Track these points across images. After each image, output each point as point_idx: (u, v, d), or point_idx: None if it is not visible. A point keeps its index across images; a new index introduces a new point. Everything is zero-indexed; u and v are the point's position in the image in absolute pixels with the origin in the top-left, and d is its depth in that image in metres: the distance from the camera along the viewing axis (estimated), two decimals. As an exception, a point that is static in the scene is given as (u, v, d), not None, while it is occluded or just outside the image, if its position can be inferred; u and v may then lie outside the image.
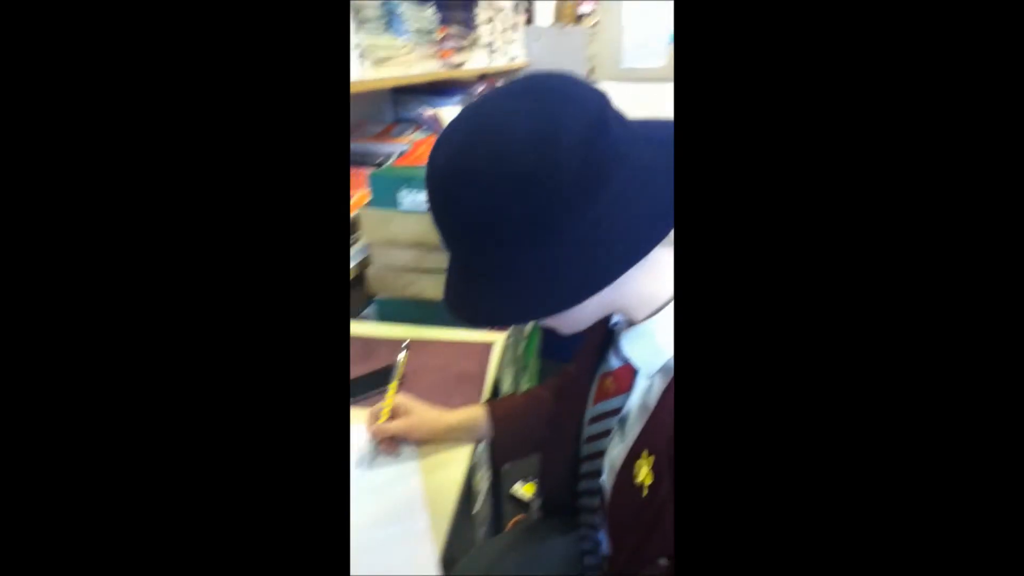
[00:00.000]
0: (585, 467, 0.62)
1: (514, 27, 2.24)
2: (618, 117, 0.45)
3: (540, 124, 0.41)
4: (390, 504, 0.66)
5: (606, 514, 0.57)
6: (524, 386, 1.72)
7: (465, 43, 1.71)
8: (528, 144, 0.40)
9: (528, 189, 0.40)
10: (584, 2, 2.65)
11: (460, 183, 0.42)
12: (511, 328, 1.23)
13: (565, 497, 0.67)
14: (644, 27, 2.97)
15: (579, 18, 2.55)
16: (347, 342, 0.35)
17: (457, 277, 0.48)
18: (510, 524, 1.46)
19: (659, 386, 0.51)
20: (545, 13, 2.46)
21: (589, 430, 0.61)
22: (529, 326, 1.76)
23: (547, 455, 0.71)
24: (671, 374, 0.49)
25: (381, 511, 0.65)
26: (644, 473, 0.50)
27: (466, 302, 0.46)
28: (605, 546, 0.65)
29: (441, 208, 0.45)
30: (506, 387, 1.43)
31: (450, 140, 0.44)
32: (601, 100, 0.44)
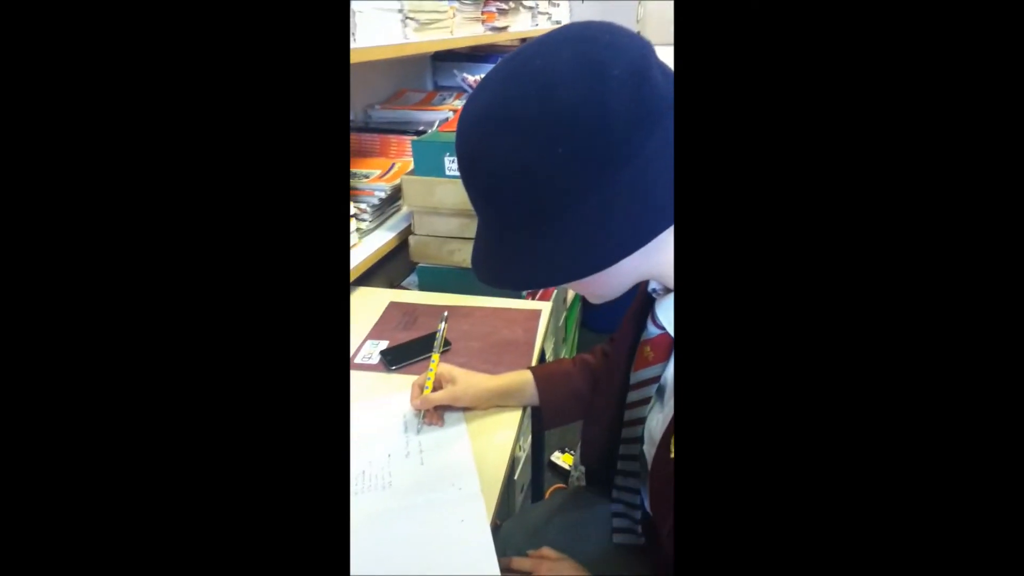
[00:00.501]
0: (626, 432, 0.62)
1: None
2: (663, 68, 0.42)
3: (585, 64, 0.39)
4: (442, 467, 0.66)
5: (647, 482, 0.57)
6: (565, 356, 1.72)
7: (509, 6, 1.66)
8: (574, 81, 0.38)
9: (575, 128, 0.38)
10: (631, -38, 2.53)
11: (501, 129, 0.40)
12: (554, 297, 1.22)
13: (607, 461, 0.67)
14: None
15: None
16: (347, 339, 0.35)
17: (488, 241, 0.46)
18: (549, 492, 1.48)
19: None
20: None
21: (631, 396, 0.60)
22: (570, 295, 1.75)
23: (591, 420, 0.71)
24: None
25: (433, 474, 0.65)
26: (675, 448, 0.50)
27: (501, 265, 0.45)
28: (640, 509, 0.65)
29: (477, 161, 0.42)
30: (549, 357, 1.43)
31: (487, 87, 0.42)
32: (646, 47, 0.41)
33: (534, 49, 0.41)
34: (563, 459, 1.62)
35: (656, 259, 0.46)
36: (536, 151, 0.39)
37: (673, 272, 0.47)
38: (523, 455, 1.34)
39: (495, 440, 0.71)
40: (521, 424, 0.76)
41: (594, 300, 0.51)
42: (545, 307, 1.00)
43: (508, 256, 0.44)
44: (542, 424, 0.80)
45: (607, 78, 0.38)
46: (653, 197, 0.39)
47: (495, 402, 0.76)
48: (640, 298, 0.61)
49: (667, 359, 0.54)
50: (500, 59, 0.45)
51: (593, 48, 0.40)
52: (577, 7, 2.34)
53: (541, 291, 1.19)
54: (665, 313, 0.51)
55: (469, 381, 0.75)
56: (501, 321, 0.96)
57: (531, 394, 0.76)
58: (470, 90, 1.58)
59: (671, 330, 0.52)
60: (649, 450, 0.56)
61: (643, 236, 0.40)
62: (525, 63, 0.40)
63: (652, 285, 0.55)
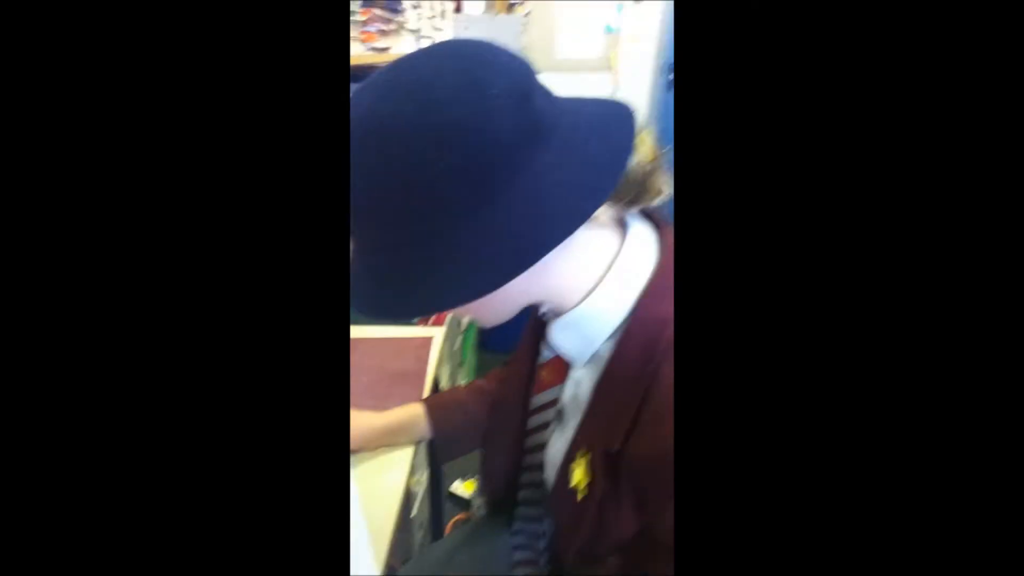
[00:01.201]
0: (527, 460, 0.60)
1: (443, 14, 2.18)
2: (543, 89, 0.41)
3: (465, 79, 0.37)
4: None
5: (549, 511, 0.56)
6: (462, 382, 1.68)
7: (390, 27, 1.63)
8: (454, 96, 0.36)
9: (456, 144, 0.36)
10: (515, -9, 2.62)
11: (378, 145, 0.37)
12: (448, 320, 1.18)
13: (509, 491, 0.65)
14: (579, 17, 2.98)
15: (511, 6, 2.51)
16: (347, 335, 0.33)
17: (368, 267, 0.42)
18: (450, 524, 1.43)
19: (589, 380, 0.49)
20: (476, 2, 2.41)
21: (531, 422, 0.59)
22: (467, 317, 1.73)
23: (490, 449, 0.68)
24: (602, 365, 0.47)
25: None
26: (579, 475, 0.49)
27: (382, 293, 0.41)
28: (544, 540, 0.63)
29: (354, 179, 0.39)
30: (444, 384, 1.38)
31: (362, 103, 0.39)
32: (525, 66, 0.40)
33: (410, 63, 0.39)
34: (464, 487, 1.57)
35: (545, 281, 0.44)
36: (416, 167, 0.37)
37: (564, 294, 0.46)
38: (421, 489, 1.28)
39: (386, 480, 0.66)
40: (415, 459, 0.71)
41: (483, 325, 0.49)
42: (438, 333, 0.97)
43: (390, 282, 0.40)
44: (437, 457, 0.76)
45: (488, 95, 0.37)
46: (541, 216, 0.38)
47: (384, 442, 0.71)
48: (532, 321, 0.60)
49: (563, 381, 0.53)
50: (373, 73, 0.41)
51: (472, 64, 0.38)
52: (462, 32, 2.37)
53: (434, 317, 1.16)
54: (558, 335, 0.50)
55: (355, 422, 0.70)
56: (390, 351, 0.91)
57: (423, 428, 0.72)
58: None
59: (565, 352, 0.50)
60: (550, 476, 0.55)
61: (531, 255, 0.38)
62: (401, 77, 0.38)
63: (543, 308, 0.54)
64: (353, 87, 0.38)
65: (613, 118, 0.42)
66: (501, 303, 0.45)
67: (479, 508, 1.47)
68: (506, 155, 0.37)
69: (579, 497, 0.48)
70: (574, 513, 0.49)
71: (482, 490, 0.71)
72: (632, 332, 0.44)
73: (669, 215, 0.47)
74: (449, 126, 0.36)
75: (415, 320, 1.04)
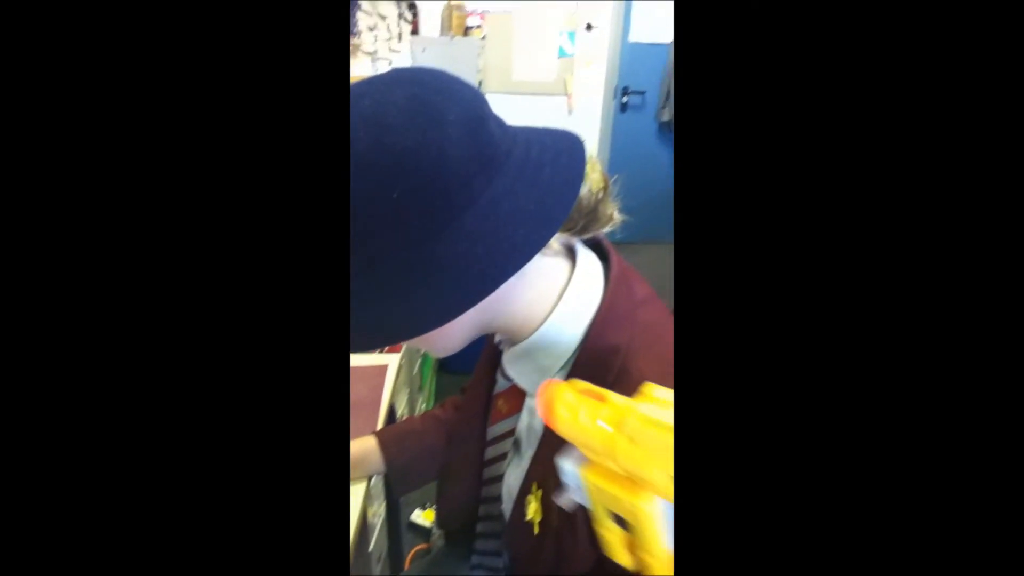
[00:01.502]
0: (486, 491, 0.59)
1: (399, 37, 2.18)
2: (496, 118, 0.41)
3: (418, 107, 0.36)
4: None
5: (507, 544, 0.54)
6: (421, 406, 1.65)
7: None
8: (407, 124, 0.36)
9: (409, 172, 0.35)
10: (472, 14, 2.65)
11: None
12: (404, 348, 1.16)
13: (467, 523, 0.63)
14: (534, 40, 3.04)
15: (467, 30, 2.54)
16: (347, 335, 0.33)
17: None
18: (410, 555, 1.39)
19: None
20: (432, 24, 2.42)
21: (488, 452, 0.57)
22: (425, 343, 1.70)
23: (447, 479, 0.66)
24: None
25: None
26: (533, 509, 0.48)
27: None
28: (503, 572, 0.62)
29: None
30: (401, 410, 1.35)
31: None
32: (478, 95, 0.40)
33: (362, 89, 0.38)
34: (424, 516, 1.53)
35: (498, 309, 0.44)
36: (367, 195, 0.35)
37: (517, 323, 0.45)
38: (378, 521, 1.24)
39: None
40: (368, 491, 0.68)
41: (434, 355, 0.48)
42: (392, 360, 0.95)
43: None
44: (393, 489, 0.73)
45: (442, 123, 0.36)
46: (497, 244, 0.37)
47: None
48: (488, 348, 0.59)
49: (520, 411, 0.52)
50: None
51: (425, 92, 0.37)
52: (419, 54, 2.37)
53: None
54: (512, 366, 0.49)
55: None
56: (344, 379, 0.88)
57: (377, 462, 0.69)
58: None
59: (519, 382, 0.49)
60: (508, 508, 0.53)
61: (488, 284, 0.37)
62: (355, 104, 0.37)
63: (498, 337, 0.53)
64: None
65: (564, 147, 0.42)
66: (453, 333, 0.44)
67: (439, 538, 1.43)
68: (460, 183, 0.37)
69: (535, 531, 0.47)
70: (531, 546, 0.48)
71: (439, 522, 0.69)
72: (583, 362, 0.44)
73: (617, 240, 0.48)
74: (403, 153, 0.35)
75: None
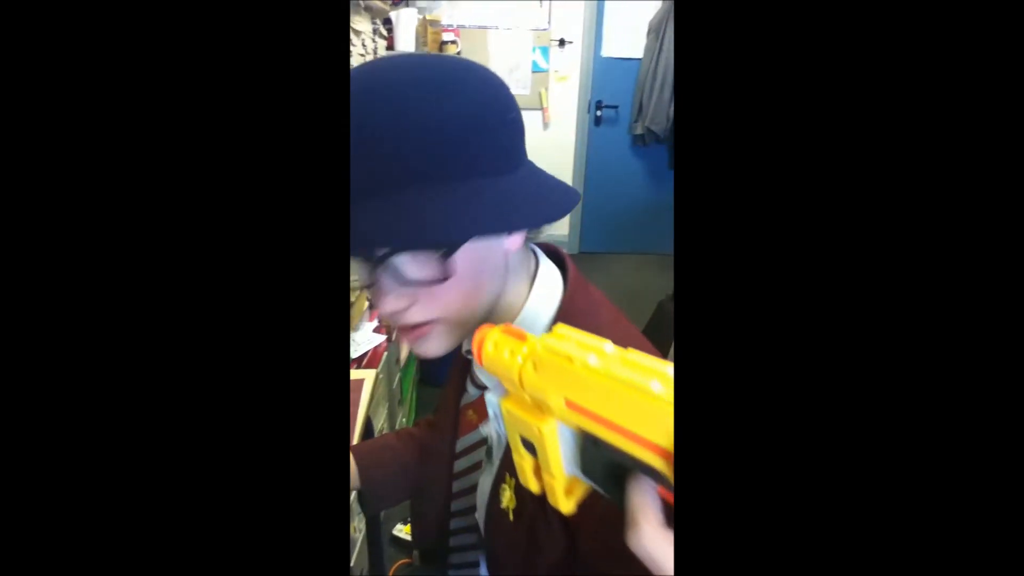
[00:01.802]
0: (457, 504, 0.60)
1: (374, 52, 2.20)
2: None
3: (485, 72, 0.42)
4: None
5: (484, 550, 0.55)
6: (402, 421, 1.65)
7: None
8: (487, 75, 0.42)
9: (493, 111, 0.40)
10: (447, 29, 2.68)
11: (415, 90, 0.39)
12: (384, 361, 1.17)
13: (441, 539, 0.64)
14: (508, 56, 3.08)
15: (442, 45, 2.57)
16: (347, 336, 0.33)
17: (368, 206, 0.40)
18: (392, 570, 1.38)
19: None
20: (407, 39, 2.45)
21: (459, 465, 0.58)
22: (404, 355, 1.70)
23: (420, 495, 0.67)
24: None
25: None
26: (508, 497, 0.49)
27: (384, 221, 0.39)
28: None
29: (390, 118, 0.38)
30: (381, 425, 1.35)
31: (367, 77, 0.40)
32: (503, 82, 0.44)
33: (386, 64, 0.41)
34: (405, 531, 1.53)
35: (502, 287, 0.46)
36: (463, 128, 0.39)
37: (502, 310, 0.47)
38: (359, 536, 1.24)
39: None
40: (348, 506, 0.69)
41: (426, 349, 0.47)
42: (369, 375, 0.95)
43: (398, 212, 0.39)
44: (367, 507, 0.74)
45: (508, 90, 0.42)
46: (542, 195, 0.42)
47: None
48: (458, 363, 0.60)
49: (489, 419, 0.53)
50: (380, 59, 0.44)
51: (463, 62, 0.42)
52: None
53: (368, 357, 1.14)
54: (480, 371, 0.51)
55: None
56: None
57: (352, 478, 0.70)
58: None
59: (490, 387, 0.51)
60: (482, 511, 0.55)
61: (539, 217, 0.41)
62: (424, 63, 0.41)
63: (466, 346, 0.55)
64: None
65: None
66: (471, 298, 0.44)
67: (419, 557, 1.43)
68: (520, 143, 0.43)
69: (511, 518, 0.49)
70: (508, 535, 0.49)
71: (415, 540, 0.70)
72: None
73: (591, 250, 0.50)
74: (487, 100, 0.40)
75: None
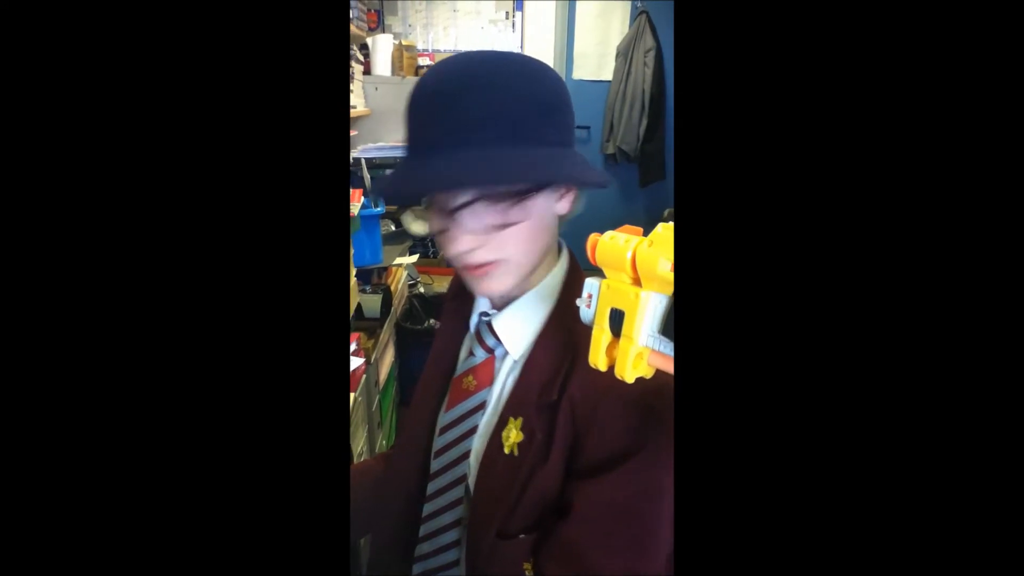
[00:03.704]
0: (437, 483, 0.60)
1: (351, 76, 2.23)
2: None
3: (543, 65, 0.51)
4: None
5: (469, 515, 0.56)
6: (382, 443, 1.66)
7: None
8: (540, 66, 0.50)
9: (549, 87, 0.49)
10: (423, 54, 2.73)
11: (520, 72, 0.48)
12: (362, 384, 1.18)
13: (406, 548, 0.64)
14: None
15: (418, 69, 2.61)
16: (347, 336, 0.35)
17: (433, 162, 0.47)
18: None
19: (517, 368, 0.55)
20: (384, 64, 2.49)
21: (445, 438, 0.59)
22: (383, 376, 1.71)
23: (384, 510, 0.67)
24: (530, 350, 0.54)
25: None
26: (514, 435, 0.52)
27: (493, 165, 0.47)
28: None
29: (494, 90, 0.47)
30: (360, 447, 1.36)
31: (451, 63, 0.49)
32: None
33: (468, 54, 0.50)
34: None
35: (549, 243, 0.54)
36: (533, 105, 0.48)
37: (536, 266, 0.54)
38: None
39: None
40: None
41: (488, 286, 0.53)
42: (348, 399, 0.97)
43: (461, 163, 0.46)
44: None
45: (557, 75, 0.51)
46: (586, 166, 0.51)
47: None
48: (449, 338, 0.63)
49: (491, 382, 0.56)
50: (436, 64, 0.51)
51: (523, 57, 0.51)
52: (372, 93, 2.43)
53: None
54: (503, 328, 0.56)
55: None
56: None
57: None
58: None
59: (507, 346, 0.55)
60: (472, 477, 0.56)
61: (596, 182, 0.49)
62: (475, 56, 0.49)
63: (483, 307, 0.58)
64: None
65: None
66: (534, 242, 0.52)
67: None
68: (570, 123, 0.51)
69: (507, 451, 0.52)
70: (504, 476, 0.52)
71: (374, 554, 0.70)
72: (563, 302, 0.54)
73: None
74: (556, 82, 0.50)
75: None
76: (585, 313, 0.40)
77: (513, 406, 0.54)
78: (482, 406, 0.57)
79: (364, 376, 1.24)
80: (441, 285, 2.01)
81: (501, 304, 0.57)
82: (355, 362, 1.16)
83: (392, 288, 1.74)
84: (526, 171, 0.46)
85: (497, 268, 0.52)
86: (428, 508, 0.62)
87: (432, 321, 1.85)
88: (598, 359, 0.39)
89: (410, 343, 1.84)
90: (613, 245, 0.37)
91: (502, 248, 0.50)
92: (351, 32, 2.11)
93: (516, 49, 3.07)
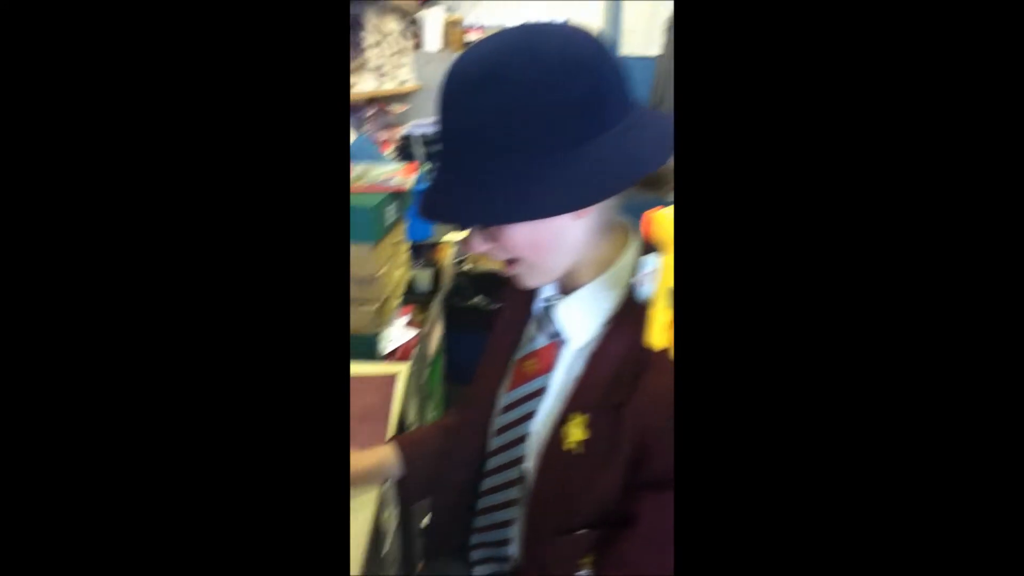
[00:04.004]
0: (496, 461, 0.60)
1: (402, 52, 2.23)
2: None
3: (584, 35, 0.47)
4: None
5: (528, 502, 0.56)
6: (430, 415, 1.68)
7: (352, 65, 1.66)
8: (584, 38, 0.46)
9: (581, 73, 0.44)
10: (470, 30, 2.70)
11: (511, 77, 0.44)
12: (415, 355, 1.19)
13: (465, 518, 0.65)
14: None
15: (467, 45, 2.59)
16: (347, 336, 0.36)
17: (453, 179, 0.48)
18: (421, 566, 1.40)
19: (581, 356, 0.53)
20: (434, 39, 2.47)
21: (504, 419, 0.59)
22: (433, 350, 1.73)
23: (445, 478, 0.68)
24: (597, 338, 0.52)
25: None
26: (580, 432, 0.51)
27: (472, 197, 0.46)
28: (507, 545, 0.63)
29: (513, 93, 0.44)
30: (411, 418, 1.38)
31: (475, 54, 0.46)
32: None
33: (507, 32, 0.47)
34: (435, 523, 1.55)
35: (588, 246, 0.51)
36: (551, 88, 0.44)
37: (591, 262, 0.52)
38: (392, 525, 1.26)
39: (353, 522, 0.66)
40: (380, 499, 0.71)
41: (531, 275, 0.52)
42: (402, 369, 0.98)
43: (485, 188, 0.46)
44: (409, 497, 0.75)
45: (609, 52, 0.47)
46: (627, 157, 0.45)
47: (354, 483, 0.70)
48: (512, 321, 0.62)
49: (551, 368, 0.55)
50: (353, 123, 0.50)
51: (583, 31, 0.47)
52: (424, 66, 2.42)
53: (400, 352, 1.17)
54: (565, 315, 0.54)
55: None
56: (357, 388, 0.91)
57: (394, 466, 0.72)
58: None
59: (568, 334, 0.54)
60: (532, 462, 0.56)
61: (622, 183, 0.45)
62: (512, 37, 0.46)
63: (546, 293, 0.57)
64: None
65: (663, 120, 0.50)
66: (556, 249, 0.50)
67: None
68: (615, 101, 0.46)
69: (567, 448, 0.51)
70: (566, 472, 0.51)
71: (431, 529, 0.71)
72: (625, 312, 0.51)
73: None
74: (573, 63, 0.44)
75: (383, 356, 1.04)
76: (641, 291, 0.38)
77: (577, 400, 0.52)
78: (542, 391, 0.56)
79: (416, 349, 1.25)
80: (488, 264, 2.01)
81: (568, 289, 0.55)
82: (409, 334, 1.17)
83: (442, 264, 1.75)
84: (557, 202, 0.44)
85: (518, 267, 0.51)
86: (487, 483, 0.62)
87: (480, 298, 1.85)
88: (658, 339, 0.38)
89: (457, 320, 1.85)
90: (671, 221, 0.35)
91: (513, 249, 0.50)
92: (402, 7, 2.10)
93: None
